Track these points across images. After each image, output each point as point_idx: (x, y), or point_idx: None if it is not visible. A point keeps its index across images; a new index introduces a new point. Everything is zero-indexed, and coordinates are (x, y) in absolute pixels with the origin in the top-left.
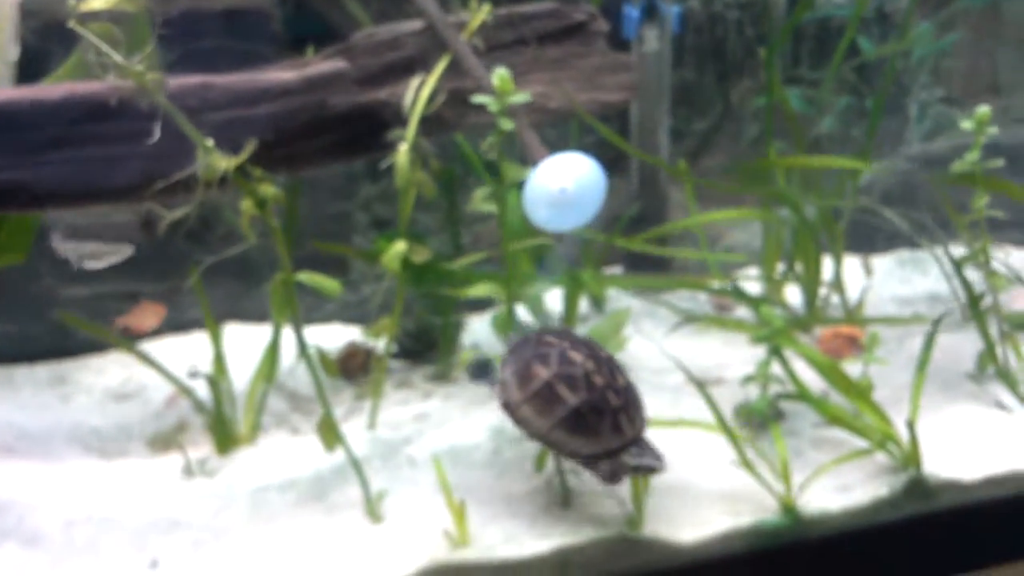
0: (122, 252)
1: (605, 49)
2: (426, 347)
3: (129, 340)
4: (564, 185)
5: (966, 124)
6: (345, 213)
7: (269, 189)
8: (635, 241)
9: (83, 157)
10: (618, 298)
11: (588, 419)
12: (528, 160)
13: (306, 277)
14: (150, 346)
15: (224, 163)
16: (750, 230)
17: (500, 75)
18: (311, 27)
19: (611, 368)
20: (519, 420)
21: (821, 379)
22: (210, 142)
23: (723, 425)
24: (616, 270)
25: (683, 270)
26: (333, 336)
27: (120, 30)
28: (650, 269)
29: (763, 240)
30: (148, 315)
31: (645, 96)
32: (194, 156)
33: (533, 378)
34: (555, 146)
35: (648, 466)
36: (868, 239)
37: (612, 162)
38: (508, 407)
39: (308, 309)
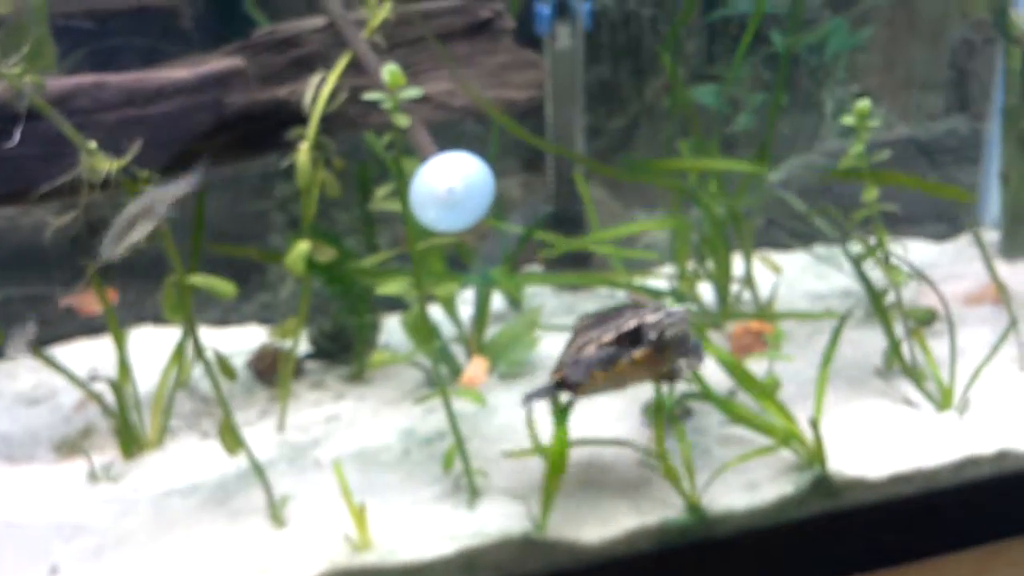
0: None
1: (512, 46)
2: (342, 347)
3: (39, 346)
4: (452, 185)
5: (847, 120)
6: (262, 212)
7: None
8: (559, 241)
9: None
10: (538, 296)
11: None
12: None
13: (200, 280)
14: (63, 350)
15: (107, 164)
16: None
17: (390, 70)
18: (222, 24)
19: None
20: None
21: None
22: (93, 144)
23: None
24: (536, 268)
25: (603, 267)
26: (250, 337)
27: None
28: (570, 266)
29: (672, 238)
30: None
31: (559, 94)
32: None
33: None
34: (472, 145)
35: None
36: (786, 235)
37: (529, 161)
38: None
39: (225, 310)
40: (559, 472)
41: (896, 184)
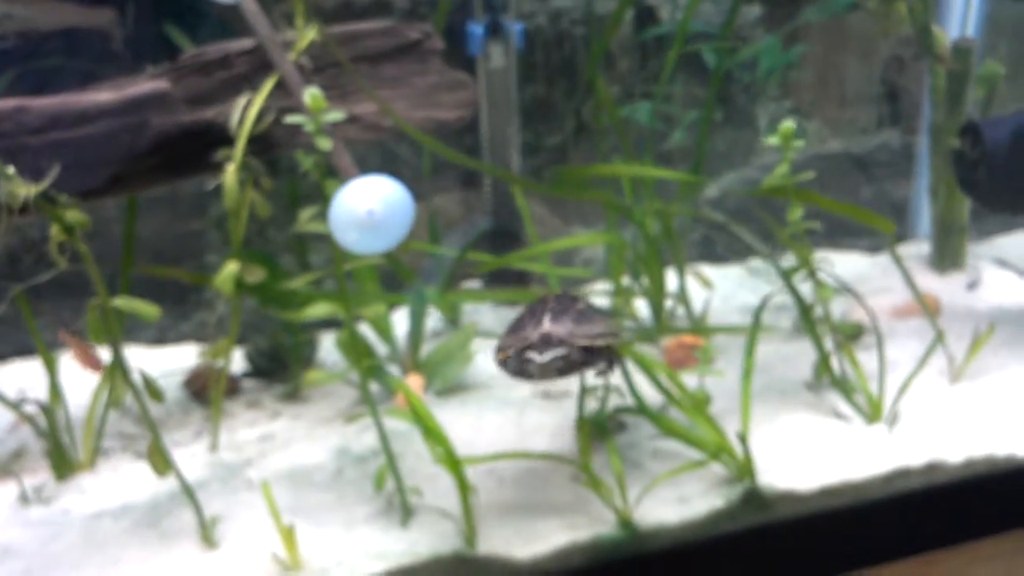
0: None
1: (442, 67)
2: (279, 366)
3: None
4: (371, 207)
5: (771, 140)
6: (199, 231)
7: (75, 214)
8: (492, 260)
9: None
10: (475, 312)
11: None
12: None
13: (123, 302)
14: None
15: (24, 189)
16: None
17: (312, 94)
18: (154, 46)
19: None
20: None
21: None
22: (10, 169)
23: None
24: (475, 284)
25: (541, 283)
26: (187, 357)
27: None
28: (508, 283)
29: (606, 254)
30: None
31: (494, 112)
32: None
33: None
34: (405, 164)
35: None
36: (719, 249)
37: (467, 177)
38: None
39: (162, 329)
40: (465, 488)
41: (817, 204)
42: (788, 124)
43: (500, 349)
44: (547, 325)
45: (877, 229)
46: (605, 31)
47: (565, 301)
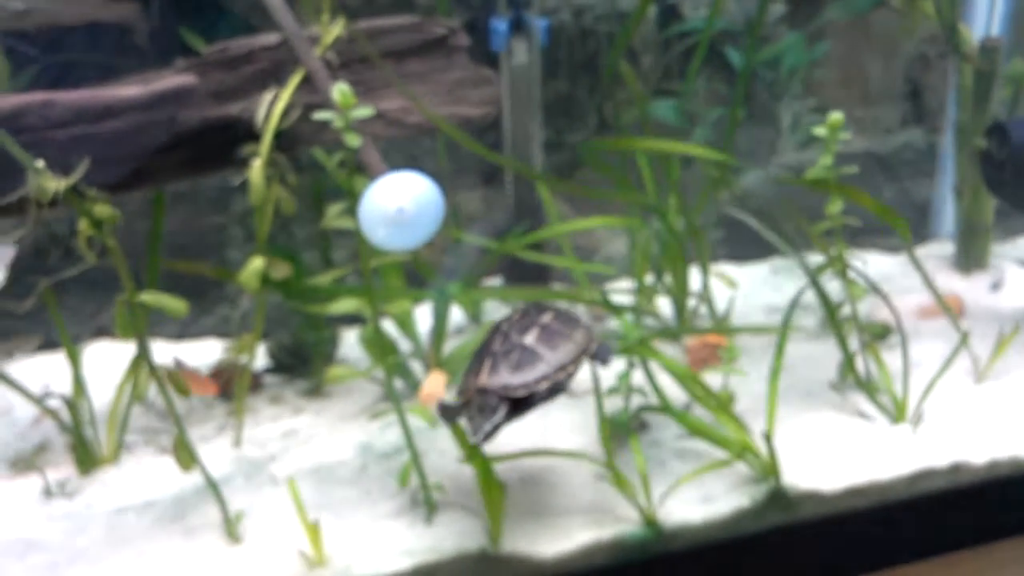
0: None
1: (467, 63)
2: (301, 362)
3: None
4: (402, 204)
5: (818, 130)
6: (221, 226)
7: (104, 209)
8: (514, 246)
9: None
10: (498, 309)
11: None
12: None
13: (150, 298)
14: (23, 364)
15: (54, 184)
16: (627, 241)
17: (340, 90)
18: (176, 40)
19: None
20: None
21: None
22: (40, 163)
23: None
24: (496, 282)
25: (563, 280)
26: (208, 351)
27: None
28: (530, 280)
29: (630, 251)
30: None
31: (516, 109)
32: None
33: None
34: (428, 160)
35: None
36: (744, 247)
37: (489, 175)
38: None
39: (183, 324)
40: (493, 487)
41: (855, 200)
42: (836, 115)
43: (459, 392)
44: (484, 376)
45: (913, 225)
46: (627, 26)
47: (528, 320)
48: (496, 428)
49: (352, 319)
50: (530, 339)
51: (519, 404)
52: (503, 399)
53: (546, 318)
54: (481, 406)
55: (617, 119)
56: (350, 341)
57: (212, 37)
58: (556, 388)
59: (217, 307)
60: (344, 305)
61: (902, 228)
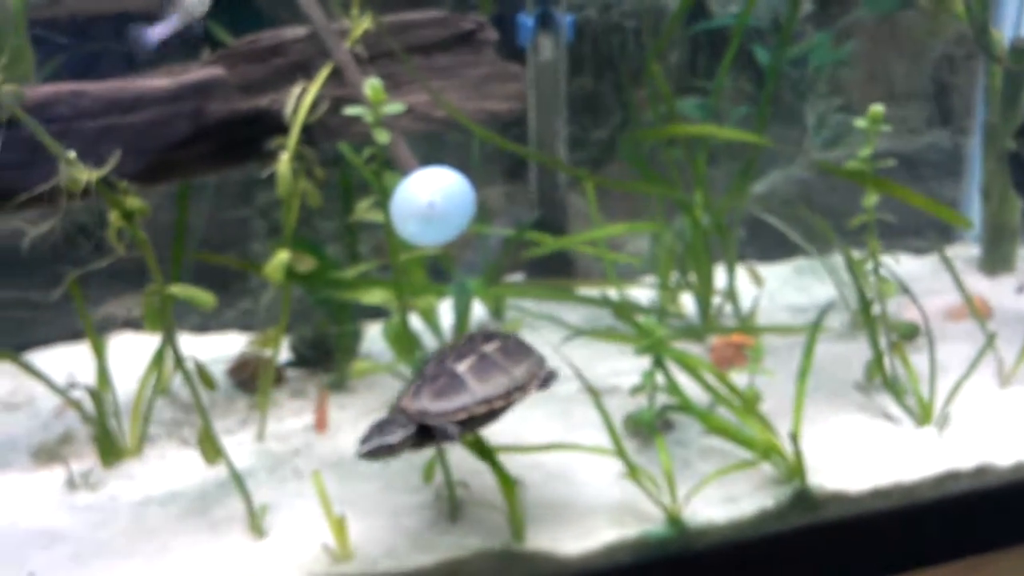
0: None
1: (494, 58)
2: (323, 356)
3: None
4: (433, 199)
5: (860, 122)
6: (244, 219)
7: (135, 201)
8: (546, 240)
9: None
10: (520, 304)
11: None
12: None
13: (179, 290)
14: (44, 355)
15: (86, 174)
16: (651, 238)
17: (372, 85)
18: (205, 31)
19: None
20: None
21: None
22: (72, 154)
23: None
24: (518, 277)
25: (586, 275)
26: (230, 344)
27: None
28: (553, 274)
29: (654, 248)
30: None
31: (542, 105)
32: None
33: None
34: (454, 154)
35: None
36: (769, 246)
37: (512, 170)
38: None
39: (205, 317)
40: (506, 483)
41: (895, 195)
42: (877, 107)
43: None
44: (408, 398)
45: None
46: (667, 25)
47: (469, 347)
48: (388, 448)
49: (375, 313)
50: (462, 367)
51: (426, 432)
52: (411, 423)
53: (489, 347)
54: (388, 423)
55: (654, 112)
56: (371, 335)
57: (239, 29)
58: (474, 422)
59: (239, 300)
60: (375, 296)
61: (962, 221)
